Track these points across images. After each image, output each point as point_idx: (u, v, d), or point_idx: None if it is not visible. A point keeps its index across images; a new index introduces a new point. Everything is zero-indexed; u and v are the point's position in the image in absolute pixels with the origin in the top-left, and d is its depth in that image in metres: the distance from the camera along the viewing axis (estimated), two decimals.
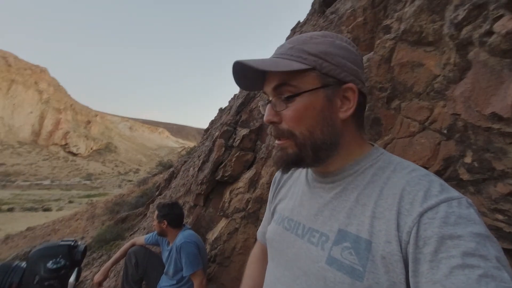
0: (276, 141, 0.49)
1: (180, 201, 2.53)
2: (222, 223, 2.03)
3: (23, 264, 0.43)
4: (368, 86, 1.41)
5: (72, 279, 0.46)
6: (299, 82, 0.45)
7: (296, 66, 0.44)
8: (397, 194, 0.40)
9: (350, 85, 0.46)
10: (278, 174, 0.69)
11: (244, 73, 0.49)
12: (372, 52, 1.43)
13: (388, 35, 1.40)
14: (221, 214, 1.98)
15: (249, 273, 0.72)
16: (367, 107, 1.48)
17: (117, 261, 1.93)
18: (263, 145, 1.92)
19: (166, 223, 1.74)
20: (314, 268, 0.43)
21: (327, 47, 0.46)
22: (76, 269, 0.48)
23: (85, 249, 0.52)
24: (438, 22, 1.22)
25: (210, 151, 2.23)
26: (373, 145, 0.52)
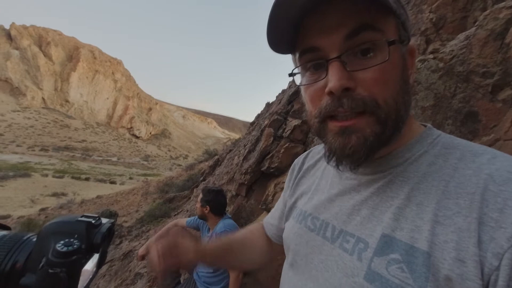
0: (339, 124, 0.33)
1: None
2: (263, 216, 1.94)
3: (35, 238, 0.33)
4: (464, 71, 1.11)
5: (89, 266, 0.34)
6: (385, 27, 0.33)
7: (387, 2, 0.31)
8: (475, 194, 0.29)
9: (412, 45, 0.37)
10: (298, 160, 0.56)
11: (292, 16, 0.33)
12: (474, 28, 1.11)
13: (503, 3, 1.07)
14: (263, 207, 1.89)
15: (251, 229, 0.64)
16: (459, 98, 1.18)
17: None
18: (316, 137, 1.74)
19: (208, 208, 1.73)
20: (348, 284, 0.34)
21: None
22: (95, 255, 0.35)
23: (110, 230, 0.38)
24: None
25: (257, 140, 2.15)
26: (425, 126, 0.40)
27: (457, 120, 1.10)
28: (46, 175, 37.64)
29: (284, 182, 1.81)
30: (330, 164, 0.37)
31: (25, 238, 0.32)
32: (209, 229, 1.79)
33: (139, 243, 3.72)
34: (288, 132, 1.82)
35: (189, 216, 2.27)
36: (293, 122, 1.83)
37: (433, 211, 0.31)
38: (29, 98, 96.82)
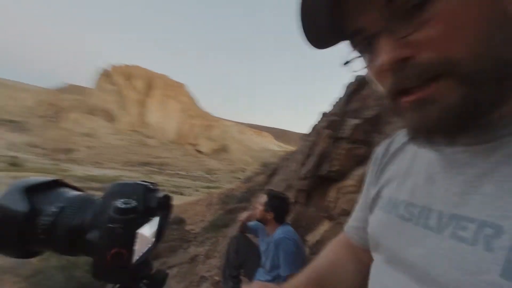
0: (409, 98, 0.27)
1: None
2: (325, 225, 1.78)
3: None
4: None
5: (145, 231, 0.34)
6: None
7: None
8: None
9: None
10: (380, 149, 0.49)
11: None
12: None
13: None
14: (325, 215, 1.75)
15: (332, 248, 0.56)
16: None
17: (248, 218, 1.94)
18: (382, 137, 1.54)
19: (272, 214, 1.69)
20: (474, 284, 0.25)
21: None
22: (152, 221, 0.35)
23: (167, 201, 0.39)
24: None
25: (314, 144, 2.04)
26: None
27: None
28: None
29: (348, 187, 1.64)
30: (416, 144, 0.32)
31: (94, 198, 0.35)
32: (267, 234, 1.75)
33: (203, 248, 3.95)
34: (348, 133, 1.66)
35: None
36: (353, 122, 1.67)
37: None
38: (119, 123, 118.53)
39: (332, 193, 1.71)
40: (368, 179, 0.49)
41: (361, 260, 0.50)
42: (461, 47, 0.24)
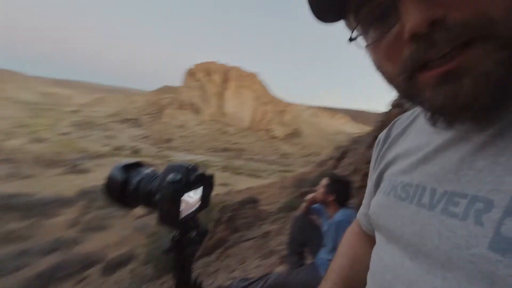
0: (436, 71, 0.24)
1: None
2: None
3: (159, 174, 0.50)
4: None
5: (188, 198, 0.49)
6: None
7: None
8: None
9: None
10: (382, 134, 0.49)
11: None
12: None
13: None
14: None
15: (348, 243, 0.56)
16: None
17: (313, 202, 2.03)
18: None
19: (333, 197, 1.72)
20: (461, 258, 0.25)
21: None
22: (192, 192, 0.49)
23: (208, 179, 0.53)
24: None
25: (382, 125, 1.86)
26: None
27: None
28: (216, 170, 50.79)
29: None
30: (438, 126, 0.29)
31: (158, 173, 0.52)
32: (328, 217, 1.78)
33: (275, 226, 4.25)
34: None
35: None
36: None
37: None
38: (203, 114, 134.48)
39: None
40: (371, 166, 0.49)
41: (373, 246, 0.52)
42: (499, 5, 0.21)
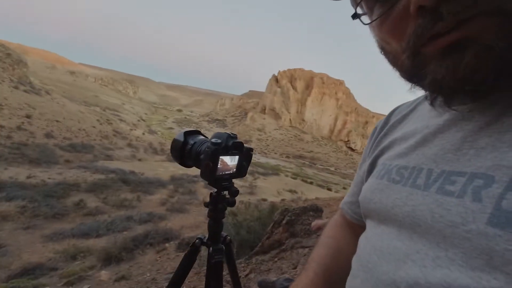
0: (441, 42, 0.24)
1: None
2: None
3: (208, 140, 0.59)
4: None
5: (227, 160, 0.57)
6: None
7: None
8: None
9: None
10: (379, 122, 0.47)
11: None
12: None
13: None
14: None
15: (331, 233, 0.53)
16: None
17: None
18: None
19: None
20: (457, 236, 0.24)
21: None
22: (231, 157, 0.57)
23: (242, 145, 0.61)
24: None
25: None
26: None
27: None
28: (287, 176, 51.06)
29: None
30: (436, 104, 0.29)
31: (206, 139, 0.65)
32: None
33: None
34: None
35: None
36: None
37: None
38: (282, 120, 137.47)
39: None
40: (363, 154, 0.49)
41: (358, 237, 0.47)
42: None
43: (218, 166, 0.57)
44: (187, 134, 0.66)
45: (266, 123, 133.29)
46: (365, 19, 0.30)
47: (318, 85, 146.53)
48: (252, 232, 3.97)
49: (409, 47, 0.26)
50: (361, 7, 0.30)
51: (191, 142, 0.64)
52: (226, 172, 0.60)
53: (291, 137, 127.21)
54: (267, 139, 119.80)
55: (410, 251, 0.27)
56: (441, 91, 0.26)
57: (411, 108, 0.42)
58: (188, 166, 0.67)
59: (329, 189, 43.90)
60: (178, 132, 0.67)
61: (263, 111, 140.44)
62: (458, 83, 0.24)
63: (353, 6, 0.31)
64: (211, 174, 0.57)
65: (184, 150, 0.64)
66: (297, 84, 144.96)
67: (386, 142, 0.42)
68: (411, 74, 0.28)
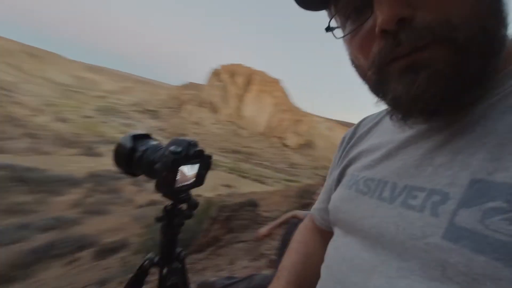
0: (400, 62, 0.27)
1: None
2: None
3: (162, 145, 0.54)
4: None
5: (186, 170, 0.51)
6: None
7: None
8: None
9: None
10: (349, 130, 0.51)
11: None
12: None
13: None
14: None
15: (301, 239, 0.54)
16: None
17: (277, 226, 2.23)
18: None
19: None
20: (416, 248, 0.26)
21: None
22: (189, 166, 0.51)
23: (207, 158, 0.56)
24: None
25: None
26: None
27: None
28: (223, 170, 51.09)
29: None
30: (395, 120, 0.31)
31: (162, 145, 0.56)
32: None
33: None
34: None
35: None
36: None
37: None
38: (221, 114, 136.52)
39: None
40: (332, 164, 0.51)
41: (327, 242, 0.49)
42: (460, 10, 0.24)
43: (177, 178, 0.50)
44: (136, 138, 0.56)
45: (203, 117, 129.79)
46: (338, 33, 0.33)
47: (257, 83, 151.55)
48: (186, 231, 3.72)
49: (374, 65, 0.28)
50: (336, 21, 0.33)
51: (142, 148, 0.55)
52: (185, 183, 0.54)
53: (228, 132, 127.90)
54: (203, 133, 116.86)
55: (376, 262, 0.29)
56: (399, 107, 0.29)
57: (376, 121, 0.45)
58: (135, 175, 0.58)
59: (263, 183, 46.37)
60: (123, 135, 0.57)
61: (201, 104, 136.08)
62: (411, 102, 0.26)
63: (328, 17, 0.33)
64: (169, 186, 0.51)
65: (132, 158, 0.55)
66: (237, 79, 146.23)
67: (354, 153, 0.44)
68: (377, 89, 0.31)
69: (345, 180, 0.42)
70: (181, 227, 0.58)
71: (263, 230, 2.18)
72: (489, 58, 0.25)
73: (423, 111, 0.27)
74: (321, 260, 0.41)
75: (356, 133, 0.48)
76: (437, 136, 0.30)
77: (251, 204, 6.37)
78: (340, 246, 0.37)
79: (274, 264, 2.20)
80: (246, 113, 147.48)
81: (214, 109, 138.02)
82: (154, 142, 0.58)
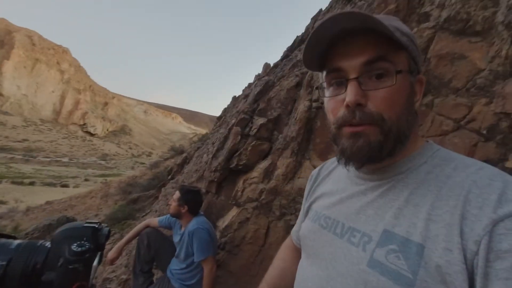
0: (351, 129, 0.41)
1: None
2: (234, 211, 2.01)
3: (48, 243, 0.40)
4: None
5: (95, 263, 0.44)
6: (395, 59, 0.40)
7: (401, 39, 0.39)
8: (460, 195, 0.35)
9: (421, 76, 0.45)
10: (315, 171, 0.64)
11: (328, 39, 0.41)
12: None
13: (427, 24, 1.27)
14: (233, 202, 1.96)
15: (281, 256, 0.69)
16: None
17: (129, 241, 1.98)
18: (280, 135, 1.85)
19: (186, 208, 1.74)
20: (353, 271, 0.40)
21: (409, 30, 0.43)
22: (99, 253, 0.45)
23: (109, 232, 0.51)
24: (490, 8, 1.09)
25: (226, 138, 2.19)
26: (427, 141, 0.47)
27: None
28: None
29: (253, 178, 1.90)
30: (340, 163, 0.45)
31: (38, 244, 0.41)
32: (181, 227, 1.81)
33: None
34: (254, 131, 1.90)
35: (158, 216, 2.24)
36: (259, 121, 1.91)
37: (427, 211, 0.37)
38: None
39: (239, 184, 1.94)
40: (305, 195, 0.65)
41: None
42: (389, 112, 0.40)
43: (91, 278, 0.42)
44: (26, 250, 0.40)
45: None
46: (323, 92, 0.47)
47: (24, 46, 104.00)
48: None
49: (337, 123, 0.43)
50: (322, 81, 0.47)
51: (34, 260, 0.39)
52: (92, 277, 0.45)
53: None
54: None
55: (329, 279, 0.43)
56: (343, 156, 0.43)
57: (334, 166, 0.60)
58: None
59: (65, 186, 35.23)
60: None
61: None
62: (351, 155, 0.42)
63: (321, 80, 0.47)
64: None
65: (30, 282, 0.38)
66: None
67: (318, 192, 0.58)
68: (334, 139, 0.45)
69: (311, 214, 0.56)
70: None
71: (111, 253, 1.83)
72: (398, 143, 0.41)
73: (358, 162, 0.43)
74: (295, 273, 0.55)
75: (320, 175, 0.62)
76: (370, 194, 0.45)
77: (63, 223, 4.82)
78: (306, 266, 0.51)
79: (133, 283, 1.96)
80: (10, 91, 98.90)
81: None
82: (15, 244, 0.41)
